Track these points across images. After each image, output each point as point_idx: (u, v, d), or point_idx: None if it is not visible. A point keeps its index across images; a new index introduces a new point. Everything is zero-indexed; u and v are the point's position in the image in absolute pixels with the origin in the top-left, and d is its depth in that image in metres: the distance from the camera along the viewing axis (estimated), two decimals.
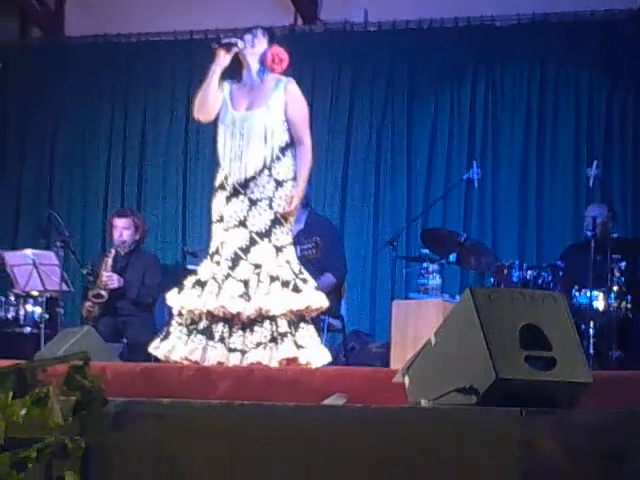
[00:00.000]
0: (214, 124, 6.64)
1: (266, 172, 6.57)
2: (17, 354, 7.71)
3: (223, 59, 6.52)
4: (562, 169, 10.02)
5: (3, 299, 9.06)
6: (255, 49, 6.60)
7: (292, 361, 6.39)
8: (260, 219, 6.56)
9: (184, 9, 10.92)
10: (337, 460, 4.66)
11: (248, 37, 6.61)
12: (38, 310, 8.98)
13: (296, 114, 6.59)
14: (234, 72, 6.63)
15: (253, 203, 6.56)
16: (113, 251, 9.18)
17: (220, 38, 6.68)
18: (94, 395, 4.83)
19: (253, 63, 6.61)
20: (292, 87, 6.61)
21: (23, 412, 4.58)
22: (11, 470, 4.49)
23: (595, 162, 8.78)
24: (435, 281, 8.36)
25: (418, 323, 7.10)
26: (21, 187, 11.12)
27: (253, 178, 6.57)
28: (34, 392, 4.69)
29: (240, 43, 6.53)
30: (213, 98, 6.64)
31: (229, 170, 6.64)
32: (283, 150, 6.62)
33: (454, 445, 4.55)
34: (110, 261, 9.10)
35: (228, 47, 6.51)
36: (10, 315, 9.01)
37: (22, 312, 9.01)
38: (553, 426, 4.43)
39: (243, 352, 6.46)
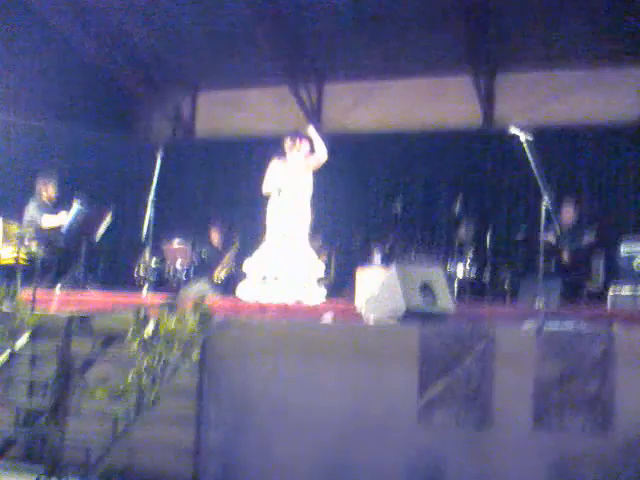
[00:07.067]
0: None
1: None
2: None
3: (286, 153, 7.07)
4: (444, 202, 10.04)
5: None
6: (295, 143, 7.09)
7: (301, 300, 6.67)
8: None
9: (249, 121, 11.20)
10: (327, 346, 4.91)
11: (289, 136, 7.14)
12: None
13: (314, 159, 6.99)
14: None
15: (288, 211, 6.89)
16: None
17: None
18: (208, 314, 5.11)
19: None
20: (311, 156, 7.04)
21: (174, 321, 4.94)
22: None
23: (459, 198, 8.90)
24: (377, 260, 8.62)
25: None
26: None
27: None
28: (179, 312, 5.04)
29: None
30: (270, 185, 6.98)
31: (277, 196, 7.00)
32: (304, 188, 7.02)
33: (385, 342, 4.78)
34: None
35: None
36: (169, 275, 9.10)
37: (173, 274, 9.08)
38: (437, 331, 4.66)
39: (279, 296, 6.69)
